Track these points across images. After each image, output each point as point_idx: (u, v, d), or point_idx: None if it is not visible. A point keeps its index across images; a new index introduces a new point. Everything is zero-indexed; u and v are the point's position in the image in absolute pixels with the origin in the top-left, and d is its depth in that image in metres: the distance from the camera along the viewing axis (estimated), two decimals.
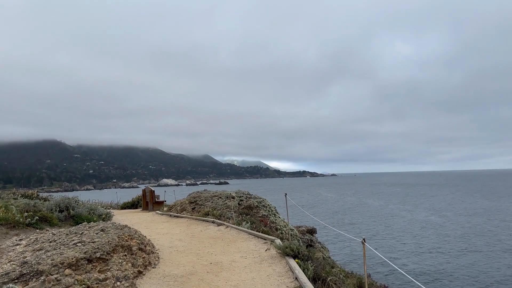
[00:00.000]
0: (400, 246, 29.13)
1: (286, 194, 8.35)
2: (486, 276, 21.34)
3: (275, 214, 14.67)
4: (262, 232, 9.88)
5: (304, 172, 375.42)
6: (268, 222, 14.00)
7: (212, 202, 13.94)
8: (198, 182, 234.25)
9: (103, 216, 12.91)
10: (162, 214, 14.99)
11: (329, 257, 19.82)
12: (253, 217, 13.86)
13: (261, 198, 15.23)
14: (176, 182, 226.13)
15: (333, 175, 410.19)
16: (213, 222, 11.60)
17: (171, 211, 15.33)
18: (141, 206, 20.86)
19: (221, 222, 11.21)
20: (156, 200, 19.33)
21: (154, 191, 19.32)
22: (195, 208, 14.09)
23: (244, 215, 13.56)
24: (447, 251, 26.93)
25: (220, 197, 14.43)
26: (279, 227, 14.06)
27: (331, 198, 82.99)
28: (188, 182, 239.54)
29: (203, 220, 12.11)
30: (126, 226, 8.45)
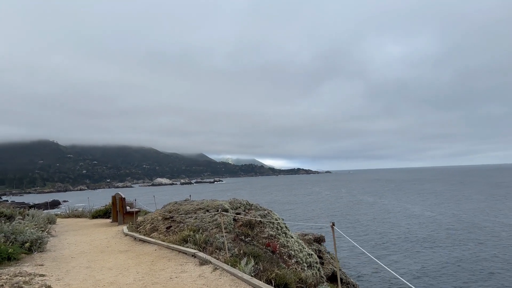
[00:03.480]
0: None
1: (333, 223, 4.12)
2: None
3: (285, 233, 10.35)
4: (275, 282, 5.55)
5: (298, 169, 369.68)
6: (277, 247, 9.69)
7: (196, 218, 9.57)
8: (192, 181, 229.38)
9: (28, 244, 8.53)
10: (127, 234, 10.62)
11: (340, 269, 15.96)
12: (256, 239, 9.56)
13: (265, 210, 10.90)
14: (170, 181, 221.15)
15: (327, 172, 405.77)
16: (193, 256, 7.26)
17: (139, 229, 10.94)
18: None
19: (207, 257, 6.87)
20: (128, 209, 14.95)
21: (124, 198, 14.90)
22: (170, 227, 9.70)
23: (243, 238, 9.23)
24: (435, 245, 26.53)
25: (207, 210, 10.07)
26: (293, 253, 9.76)
27: (328, 195, 79.02)
28: (182, 181, 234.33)
29: (179, 251, 7.76)
30: None
